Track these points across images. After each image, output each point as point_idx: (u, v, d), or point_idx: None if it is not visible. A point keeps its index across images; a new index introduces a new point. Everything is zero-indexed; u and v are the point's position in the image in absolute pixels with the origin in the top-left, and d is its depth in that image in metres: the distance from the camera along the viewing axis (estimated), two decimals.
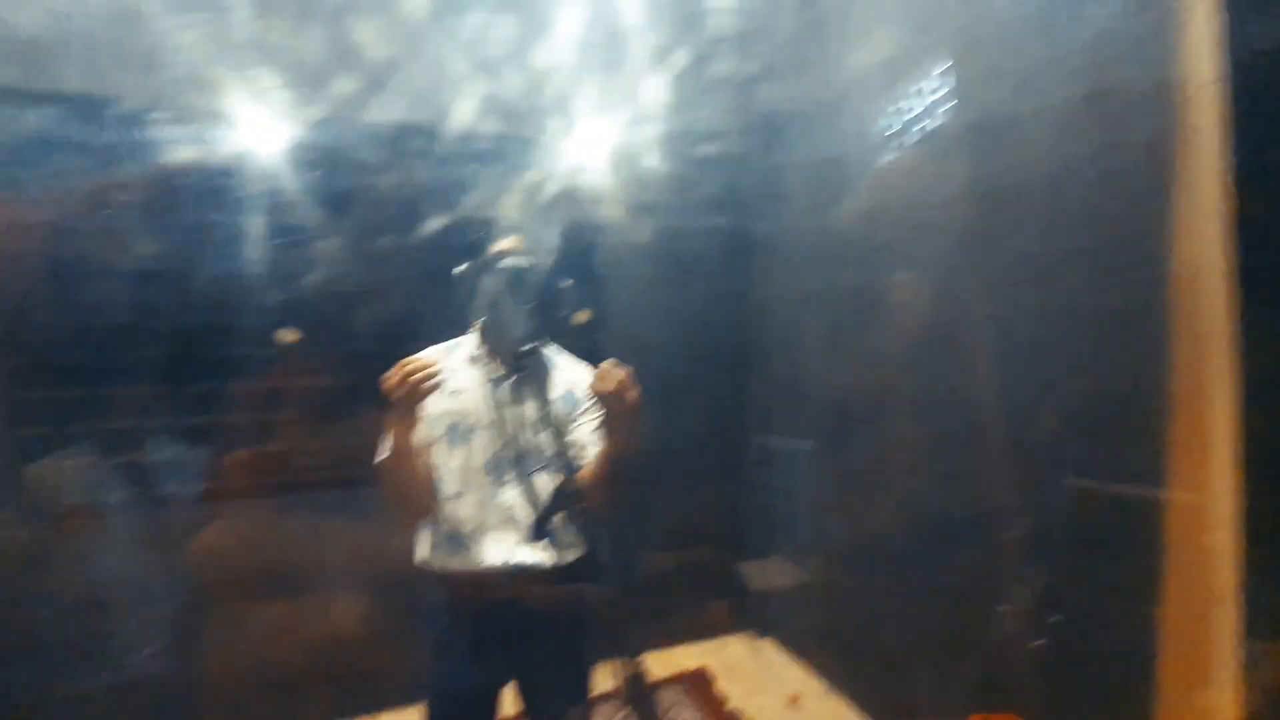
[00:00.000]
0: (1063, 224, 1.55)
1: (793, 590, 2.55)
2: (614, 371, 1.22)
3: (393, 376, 1.15)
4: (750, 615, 2.69)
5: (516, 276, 1.22)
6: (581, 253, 2.37)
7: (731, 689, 2.33)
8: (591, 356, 1.39)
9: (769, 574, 2.63)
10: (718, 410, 2.66)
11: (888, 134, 2.03)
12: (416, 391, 1.15)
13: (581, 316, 1.46)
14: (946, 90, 1.85)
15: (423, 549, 1.38)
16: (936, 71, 1.86)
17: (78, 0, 1.83)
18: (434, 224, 2.08)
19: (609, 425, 1.27)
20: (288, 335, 1.98)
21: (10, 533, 1.84)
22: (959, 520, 1.83)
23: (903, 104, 1.97)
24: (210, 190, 1.95)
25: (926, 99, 1.89)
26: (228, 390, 1.99)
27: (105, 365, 1.88)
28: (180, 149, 1.93)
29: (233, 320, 1.98)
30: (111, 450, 1.89)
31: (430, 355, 1.35)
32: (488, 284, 1.27)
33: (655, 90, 2.43)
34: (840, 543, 2.34)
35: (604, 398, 1.23)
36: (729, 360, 2.69)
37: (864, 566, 2.21)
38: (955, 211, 1.81)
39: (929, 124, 1.90)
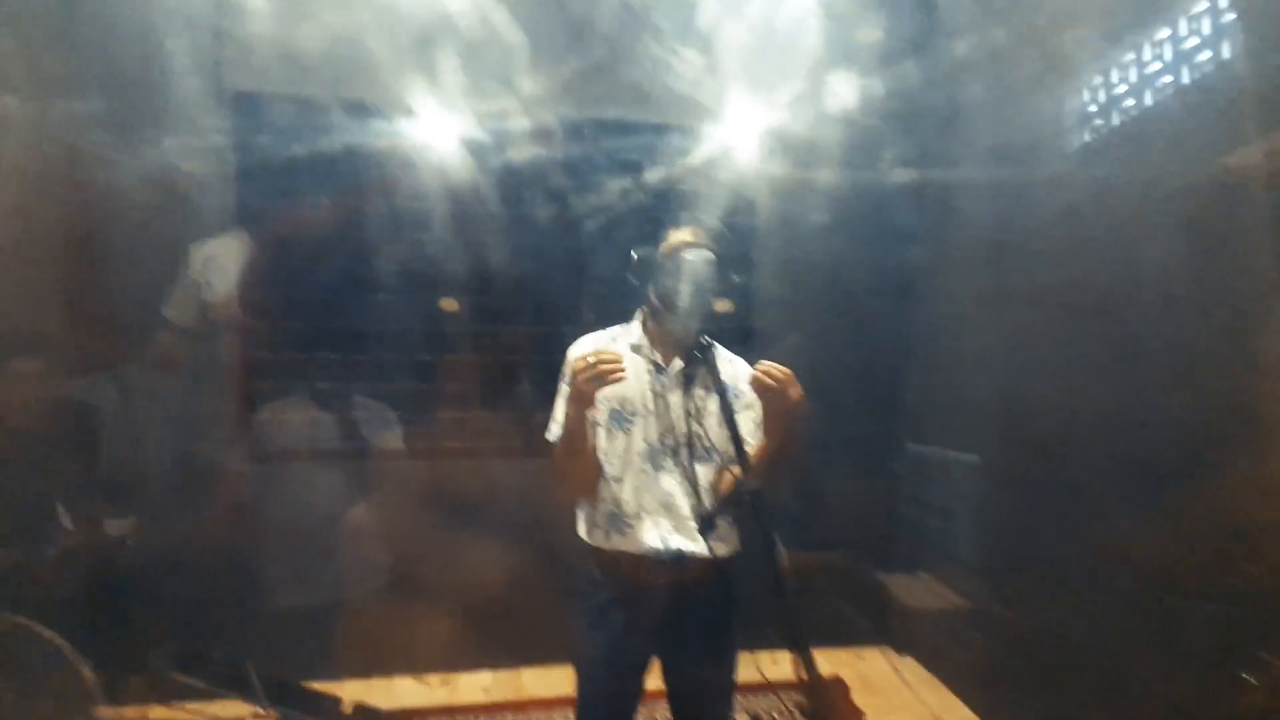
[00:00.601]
0: None
1: (942, 610, 2.41)
2: (777, 369, 1.21)
3: (583, 367, 1.21)
4: (892, 630, 2.58)
5: (700, 269, 1.22)
6: (743, 244, 2.36)
7: (868, 702, 2.25)
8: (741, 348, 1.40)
9: (915, 590, 2.50)
10: (871, 413, 2.56)
11: (1088, 117, 1.83)
12: (602, 380, 1.20)
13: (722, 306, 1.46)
14: (1159, 66, 1.63)
15: (582, 526, 1.45)
16: (1149, 43, 1.65)
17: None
18: (605, 212, 2.18)
19: (771, 422, 1.26)
20: (449, 304, 2.23)
21: (240, 468, 2.20)
22: (1156, 561, 1.62)
23: (1108, 82, 1.77)
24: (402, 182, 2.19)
25: (1137, 75, 1.69)
26: (415, 360, 2.24)
27: (319, 334, 2.18)
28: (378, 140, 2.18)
29: (422, 299, 2.22)
30: (322, 405, 2.19)
31: (599, 342, 1.43)
32: (667, 274, 1.28)
33: (822, 83, 2.37)
34: (1005, 568, 2.17)
35: (767, 393, 1.22)
36: (887, 361, 2.58)
37: (1032, 596, 2.04)
38: (1171, 205, 1.59)
39: (1141, 104, 1.70)
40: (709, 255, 1.22)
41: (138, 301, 2.07)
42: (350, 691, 2.17)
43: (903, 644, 2.55)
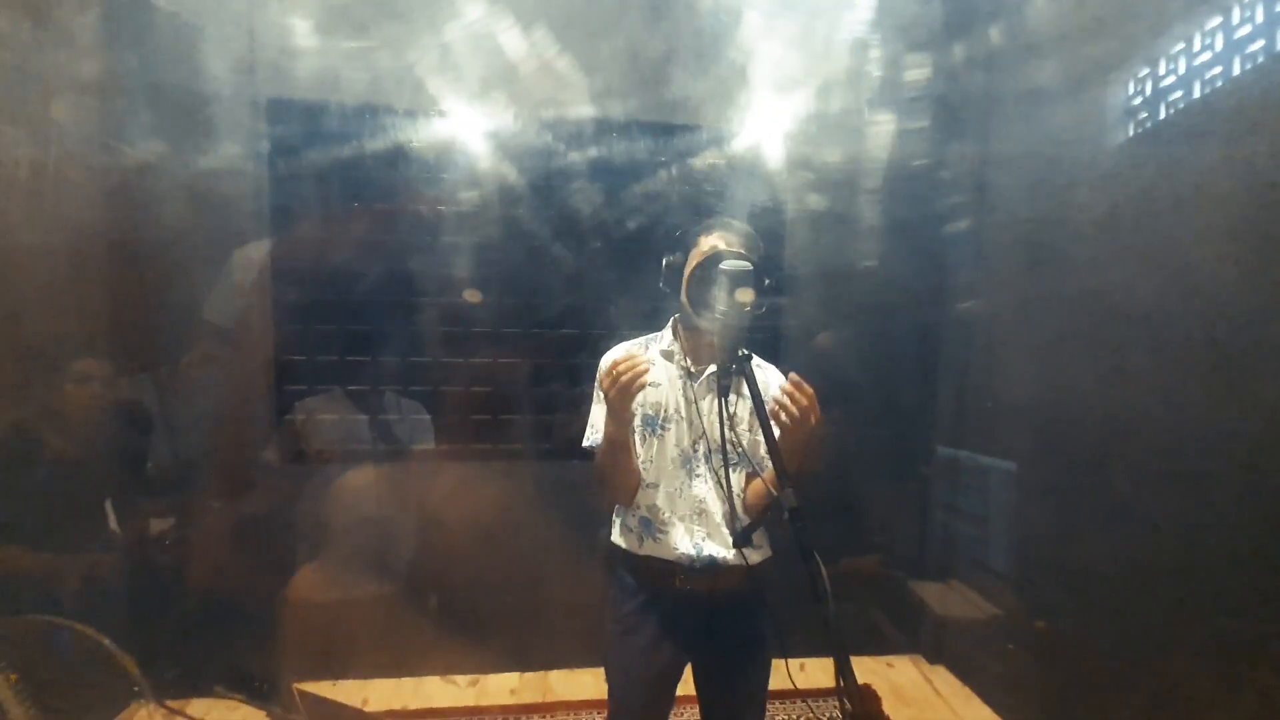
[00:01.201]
0: None
1: (975, 619, 2.37)
2: (798, 390, 1.20)
3: (606, 373, 1.23)
4: (924, 639, 2.55)
5: (734, 278, 1.19)
6: (772, 246, 2.35)
7: (900, 712, 2.23)
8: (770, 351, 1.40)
9: (948, 598, 2.47)
10: (904, 418, 2.54)
11: (1132, 114, 1.79)
12: (628, 389, 1.21)
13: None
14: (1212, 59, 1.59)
15: (616, 530, 1.47)
16: (1201, 34, 1.61)
17: None
18: (638, 215, 2.20)
19: (787, 440, 1.25)
20: (472, 296, 2.25)
21: (273, 468, 2.24)
22: (1200, 574, 1.58)
23: (1155, 75, 1.73)
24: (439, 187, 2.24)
25: (1188, 71, 1.64)
26: (447, 363, 2.28)
27: (352, 337, 2.23)
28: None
29: (452, 304, 2.26)
30: (354, 406, 2.24)
31: (631, 351, 1.42)
32: (701, 283, 1.27)
33: (853, 77, 2.37)
34: (1041, 577, 2.13)
35: (785, 414, 1.21)
36: (921, 365, 2.55)
37: (1068, 607, 1.99)
38: (1222, 208, 1.55)
39: (1189, 100, 1.65)
40: (745, 265, 1.20)
41: (177, 305, 2.12)
42: (379, 692, 2.23)
43: (934, 653, 2.52)
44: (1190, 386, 1.62)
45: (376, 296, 2.23)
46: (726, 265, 1.19)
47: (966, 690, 2.37)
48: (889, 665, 2.51)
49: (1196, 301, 1.61)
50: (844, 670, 0.93)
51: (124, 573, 2.00)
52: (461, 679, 2.35)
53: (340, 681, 2.28)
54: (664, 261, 1.43)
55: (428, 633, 2.32)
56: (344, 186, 2.18)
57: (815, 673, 2.26)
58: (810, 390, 1.21)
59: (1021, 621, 2.19)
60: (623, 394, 1.22)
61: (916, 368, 2.54)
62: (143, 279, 2.07)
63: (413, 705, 2.18)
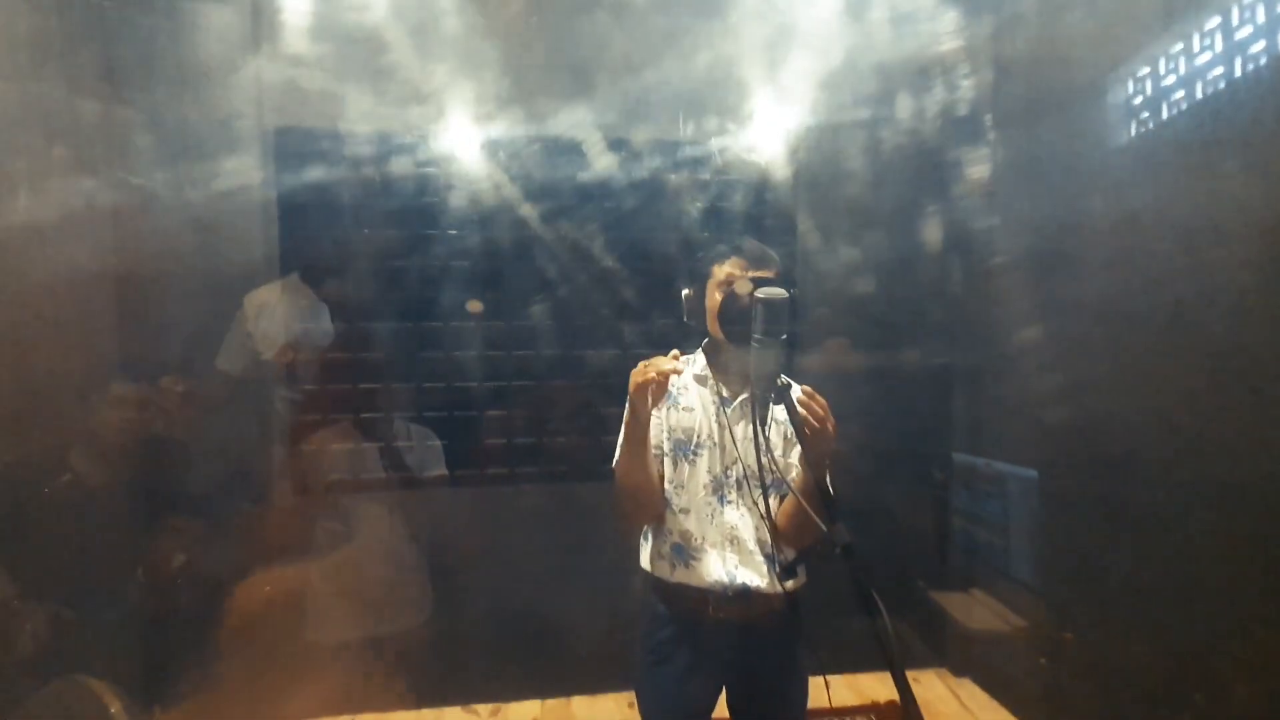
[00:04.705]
0: None
1: (1001, 631, 2.40)
2: (812, 401, 1.23)
3: (637, 371, 1.26)
4: (949, 652, 2.58)
5: (774, 308, 1.18)
6: (788, 258, 2.39)
7: None
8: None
9: (973, 609, 2.50)
10: (923, 424, 2.58)
11: (1152, 115, 1.83)
12: (647, 388, 1.24)
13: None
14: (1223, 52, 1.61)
15: (646, 557, 1.50)
16: (1220, 29, 1.62)
17: None
18: (656, 243, 2.23)
19: (809, 454, 1.27)
20: (474, 306, 2.29)
21: (283, 503, 2.26)
22: (1235, 587, 1.60)
23: (1175, 71, 1.77)
24: (435, 207, 2.27)
25: (1201, 70, 1.68)
26: (456, 391, 2.33)
27: (361, 362, 2.27)
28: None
29: (464, 332, 2.32)
30: (366, 435, 2.25)
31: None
32: (734, 312, 1.31)
33: (861, 84, 2.41)
34: (1067, 588, 2.16)
35: (801, 425, 1.24)
36: (940, 370, 2.59)
37: (1097, 618, 2.03)
38: (1246, 212, 1.57)
39: (1204, 103, 1.68)
40: (780, 293, 1.19)
41: (183, 339, 2.15)
42: None
43: (960, 666, 2.54)
44: (1217, 392, 1.63)
45: (385, 323, 2.27)
46: (763, 294, 1.18)
47: (995, 704, 2.39)
48: (915, 680, 2.52)
49: (1220, 306, 1.63)
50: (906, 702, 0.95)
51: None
52: (483, 709, 2.37)
53: (359, 716, 2.29)
54: (683, 294, 1.46)
55: (447, 663, 2.34)
56: (355, 213, 2.22)
57: (840, 690, 2.34)
58: (824, 401, 1.24)
59: (1049, 633, 2.21)
60: (642, 390, 1.24)
61: (936, 374, 2.57)
62: (148, 313, 2.10)
63: None
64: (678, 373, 1.26)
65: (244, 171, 2.15)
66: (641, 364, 1.27)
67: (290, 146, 2.17)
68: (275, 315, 2.11)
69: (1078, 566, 2.11)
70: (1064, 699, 2.14)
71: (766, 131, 2.44)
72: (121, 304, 2.06)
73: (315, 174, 2.17)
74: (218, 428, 2.16)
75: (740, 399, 1.43)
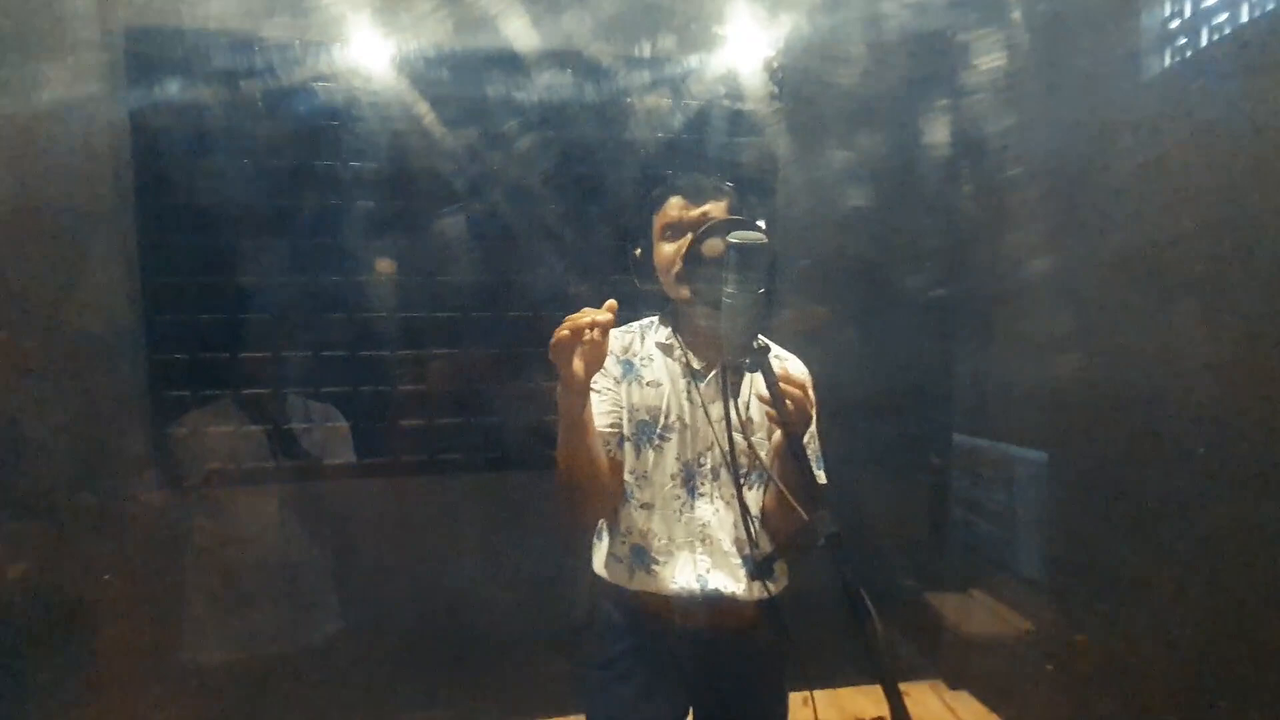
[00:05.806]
0: None
1: (1002, 636, 2.26)
2: (793, 386, 1.04)
3: (559, 333, 0.97)
4: (944, 661, 2.44)
5: (749, 253, 0.97)
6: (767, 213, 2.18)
7: None
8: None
9: (971, 613, 2.36)
10: (917, 402, 2.41)
11: (1179, 45, 1.68)
12: (581, 355, 0.99)
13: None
14: None
15: (599, 560, 1.33)
16: None
17: None
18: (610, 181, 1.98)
19: (782, 426, 1.07)
20: (385, 265, 2.07)
21: (150, 495, 1.96)
22: (1263, 584, 1.47)
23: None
24: (333, 132, 1.99)
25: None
26: (363, 361, 2.05)
27: (241, 332, 1.98)
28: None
29: (372, 288, 2.03)
30: (249, 417, 1.96)
31: (624, 341, 1.28)
32: (701, 261, 1.08)
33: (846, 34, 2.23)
34: (1076, 585, 2.02)
35: (780, 396, 1.03)
36: (936, 342, 2.43)
37: (1109, 619, 1.90)
38: None
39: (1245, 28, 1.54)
40: (758, 236, 0.98)
41: (10, 289, 1.81)
42: None
43: (956, 677, 2.41)
44: (1251, 365, 1.51)
45: (272, 278, 1.97)
46: (735, 238, 0.97)
47: (994, 719, 2.26)
48: (906, 695, 2.36)
49: (1260, 262, 1.49)
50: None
51: None
52: None
53: None
54: (635, 254, 1.26)
55: (354, 685, 2.10)
56: (228, 138, 1.90)
57: (824, 707, 2.23)
58: (799, 379, 1.07)
59: (1057, 636, 2.08)
60: (564, 350, 0.97)
61: (933, 346, 2.41)
62: None
63: None
64: (609, 325, 0.97)
65: (85, 85, 1.82)
66: (567, 319, 0.98)
67: (144, 52, 1.84)
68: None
69: (1090, 561, 1.98)
70: (1071, 711, 2.02)
71: (741, 47, 2.20)
72: None
73: (176, 89, 1.84)
74: (59, 402, 1.86)
75: (714, 373, 1.25)
